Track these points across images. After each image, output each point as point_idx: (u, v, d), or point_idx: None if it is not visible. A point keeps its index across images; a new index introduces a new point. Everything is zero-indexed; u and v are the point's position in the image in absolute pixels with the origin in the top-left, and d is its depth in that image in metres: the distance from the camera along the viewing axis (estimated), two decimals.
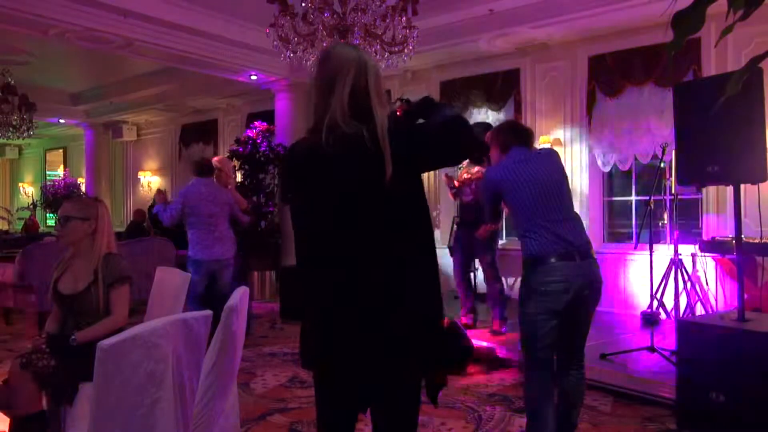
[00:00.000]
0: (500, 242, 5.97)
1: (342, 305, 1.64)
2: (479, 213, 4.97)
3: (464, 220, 5.12)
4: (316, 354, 1.72)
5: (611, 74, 6.32)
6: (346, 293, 1.64)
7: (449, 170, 5.70)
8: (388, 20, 4.61)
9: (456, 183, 5.19)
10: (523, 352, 2.77)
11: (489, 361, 4.61)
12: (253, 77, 8.40)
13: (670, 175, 5.30)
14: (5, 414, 2.63)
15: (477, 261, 5.38)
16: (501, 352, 4.62)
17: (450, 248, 7.01)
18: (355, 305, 1.63)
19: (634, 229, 6.56)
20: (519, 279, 2.87)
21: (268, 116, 9.04)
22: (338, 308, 1.65)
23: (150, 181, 12.23)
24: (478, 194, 5.01)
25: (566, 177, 2.85)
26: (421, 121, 1.79)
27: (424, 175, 1.78)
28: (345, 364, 1.67)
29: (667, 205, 6.11)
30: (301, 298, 1.76)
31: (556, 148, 6.87)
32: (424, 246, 1.70)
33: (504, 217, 5.24)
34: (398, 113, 1.81)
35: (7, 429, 2.52)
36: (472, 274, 5.51)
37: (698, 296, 5.19)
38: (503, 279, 5.19)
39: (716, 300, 5.44)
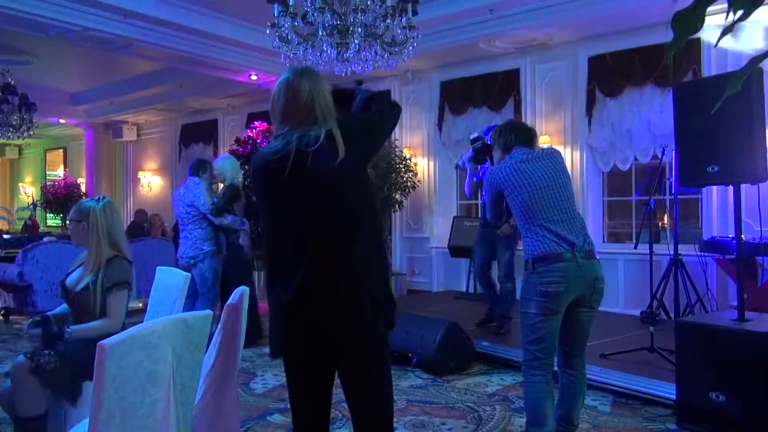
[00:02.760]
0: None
1: (303, 294, 1.80)
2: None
3: (486, 220, 5.09)
4: (281, 343, 1.89)
5: (611, 74, 6.32)
6: (308, 282, 1.79)
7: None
8: (388, 20, 4.61)
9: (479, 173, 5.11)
10: (523, 351, 2.76)
11: (490, 360, 4.61)
12: (253, 77, 8.41)
13: (670, 175, 5.30)
14: (8, 414, 2.63)
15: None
16: (502, 352, 4.63)
17: (451, 248, 7.03)
18: (315, 293, 1.80)
19: (634, 229, 6.57)
20: None
21: (268, 116, 9.02)
22: (299, 296, 1.80)
23: (150, 181, 12.24)
24: None
25: (569, 177, 2.84)
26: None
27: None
28: (308, 349, 1.85)
29: (667, 205, 6.12)
30: (267, 290, 1.91)
31: (555, 148, 6.88)
32: (375, 230, 1.90)
33: None
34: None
35: (10, 429, 2.52)
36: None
37: (698, 296, 5.19)
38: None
39: (716, 300, 5.44)
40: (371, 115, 1.98)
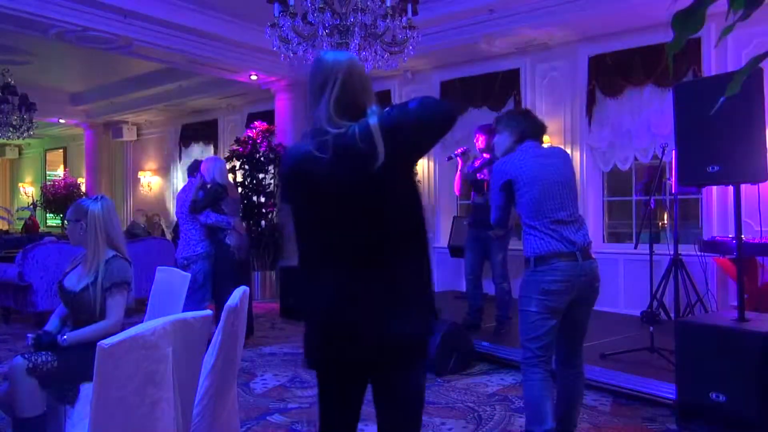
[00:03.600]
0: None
1: (343, 305, 1.70)
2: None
3: (477, 220, 5.09)
4: (318, 355, 1.78)
5: (611, 74, 6.32)
6: (347, 293, 1.69)
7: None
8: (388, 20, 4.61)
9: (468, 172, 5.10)
10: (522, 350, 2.76)
11: (490, 360, 4.61)
12: (253, 77, 8.41)
13: (670, 175, 5.30)
14: (7, 415, 2.63)
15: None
16: (502, 352, 4.63)
17: (451, 248, 7.02)
18: (356, 305, 1.68)
19: (634, 229, 6.56)
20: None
21: (268, 116, 9.04)
22: (339, 308, 1.70)
23: (150, 181, 12.24)
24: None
25: (575, 178, 2.85)
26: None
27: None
28: (346, 362, 1.73)
29: (667, 205, 6.12)
30: (302, 300, 1.80)
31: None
32: (420, 239, 1.75)
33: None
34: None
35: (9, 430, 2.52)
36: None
37: (698, 296, 5.19)
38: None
39: (716, 300, 5.44)
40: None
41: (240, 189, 8.40)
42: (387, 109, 1.73)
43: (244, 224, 5.36)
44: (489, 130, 5.06)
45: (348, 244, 1.70)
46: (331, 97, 1.70)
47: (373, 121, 1.64)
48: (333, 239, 1.72)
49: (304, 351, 1.81)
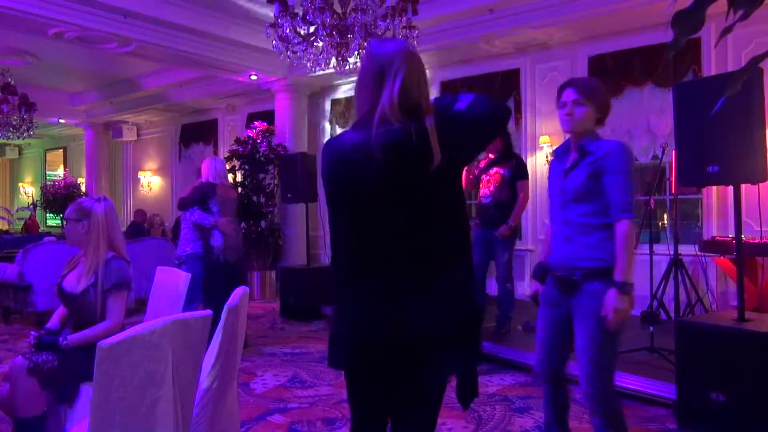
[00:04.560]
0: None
1: (383, 309, 1.61)
2: (499, 213, 4.96)
3: (484, 220, 5.09)
4: (348, 357, 1.71)
5: (611, 74, 6.32)
6: (390, 297, 1.61)
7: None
8: (388, 20, 4.61)
9: (474, 171, 5.09)
10: (608, 399, 2.30)
11: (490, 360, 4.61)
12: (253, 77, 8.41)
13: (670, 175, 5.30)
14: (7, 415, 2.63)
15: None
16: (502, 352, 4.62)
17: None
18: (396, 310, 1.60)
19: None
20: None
21: (268, 116, 9.05)
22: (380, 312, 1.61)
23: (150, 181, 12.24)
24: (498, 195, 4.97)
25: None
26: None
27: None
28: (376, 367, 1.66)
29: (668, 205, 6.12)
30: (334, 299, 1.74)
31: (555, 148, 6.88)
32: (464, 244, 1.68)
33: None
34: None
35: (9, 430, 2.52)
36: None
37: (698, 296, 5.19)
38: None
39: (716, 300, 5.44)
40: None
41: (240, 189, 8.41)
42: (438, 104, 1.65)
43: (235, 225, 5.13)
44: None
45: (393, 251, 1.60)
46: (394, 88, 1.59)
47: (429, 121, 1.55)
48: (375, 244, 1.62)
49: (329, 349, 1.77)
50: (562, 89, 2.52)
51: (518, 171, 4.99)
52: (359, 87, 1.69)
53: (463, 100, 1.63)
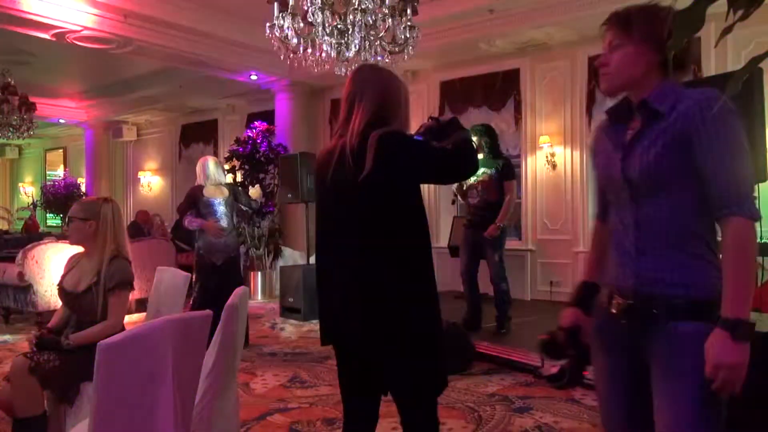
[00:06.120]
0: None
1: (331, 290, 1.92)
2: (487, 213, 4.97)
3: (472, 221, 5.10)
4: (324, 332, 1.99)
5: None
6: (335, 280, 1.91)
7: None
8: (388, 20, 4.61)
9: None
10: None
11: (490, 360, 4.61)
12: (253, 77, 8.41)
13: None
14: (7, 414, 2.63)
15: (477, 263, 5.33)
16: (502, 353, 4.62)
17: (450, 248, 7.03)
18: (340, 290, 1.88)
19: None
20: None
21: (268, 116, 9.05)
22: (331, 291, 1.92)
23: (150, 181, 12.24)
24: (486, 195, 4.99)
25: None
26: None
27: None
28: (343, 341, 1.95)
29: None
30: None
31: (555, 148, 6.89)
32: (405, 247, 1.84)
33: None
34: (422, 129, 1.99)
35: (9, 430, 2.52)
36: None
37: None
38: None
39: None
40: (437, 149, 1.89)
41: (240, 189, 8.41)
42: (424, 131, 1.95)
43: (223, 226, 5.04)
44: (481, 131, 5.08)
45: (333, 245, 1.92)
46: (364, 110, 1.87)
47: (374, 136, 1.77)
48: (325, 238, 1.96)
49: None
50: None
51: (506, 172, 5.02)
52: (342, 105, 1.95)
53: (454, 138, 1.90)
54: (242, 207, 5.42)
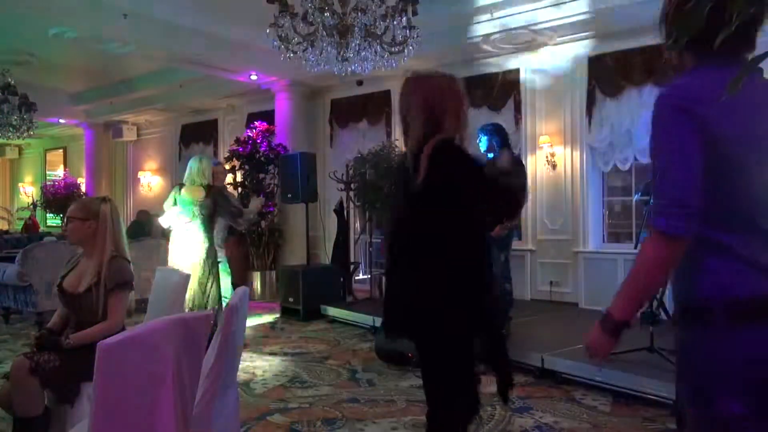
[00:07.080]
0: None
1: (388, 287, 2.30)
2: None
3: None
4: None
5: (611, 74, 6.32)
6: (390, 276, 2.29)
7: None
8: (388, 20, 4.61)
9: None
10: None
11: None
12: (253, 77, 8.41)
13: None
14: (6, 411, 2.63)
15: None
16: None
17: None
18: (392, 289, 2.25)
19: (634, 229, 6.56)
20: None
21: (268, 116, 9.04)
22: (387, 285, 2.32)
23: (150, 181, 12.24)
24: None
25: None
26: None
27: None
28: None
29: None
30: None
31: (555, 148, 6.89)
32: (442, 254, 2.05)
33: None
34: (503, 158, 2.44)
35: (10, 429, 2.52)
36: None
37: None
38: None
39: None
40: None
41: (240, 189, 8.42)
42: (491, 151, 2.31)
43: (192, 226, 4.81)
44: (491, 131, 5.06)
45: (392, 242, 2.21)
46: (420, 121, 2.09)
47: (428, 148, 1.99)
48: (389, 234, 2.31)
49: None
50: None
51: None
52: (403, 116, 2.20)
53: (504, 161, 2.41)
54: (223, 217, 5.05)
